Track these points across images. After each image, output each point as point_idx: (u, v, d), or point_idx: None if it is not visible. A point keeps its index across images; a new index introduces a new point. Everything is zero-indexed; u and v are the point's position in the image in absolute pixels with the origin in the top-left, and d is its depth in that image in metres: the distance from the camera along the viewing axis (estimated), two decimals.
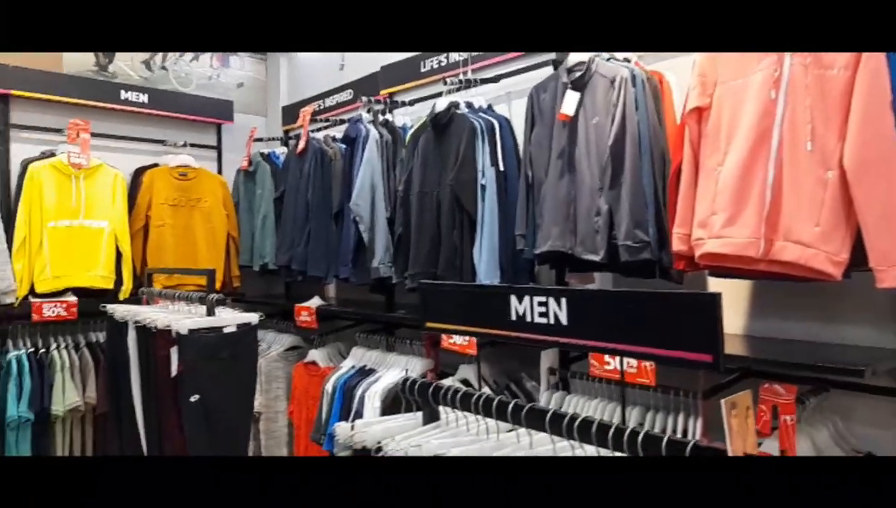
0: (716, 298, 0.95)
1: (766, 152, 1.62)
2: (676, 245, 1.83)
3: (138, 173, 3.78)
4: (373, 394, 2.52)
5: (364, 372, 2.75)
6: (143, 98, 3.97)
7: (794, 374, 1.69)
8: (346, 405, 2.64)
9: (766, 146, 1.62)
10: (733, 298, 2.09)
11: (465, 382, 2.43)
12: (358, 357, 2.88)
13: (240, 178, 4.04)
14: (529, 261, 2.39)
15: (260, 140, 4.13)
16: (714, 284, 2.11)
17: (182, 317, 2.25)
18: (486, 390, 2.34)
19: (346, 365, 2.86)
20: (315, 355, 3.08)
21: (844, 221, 1.53)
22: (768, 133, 1.61)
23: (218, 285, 3.71)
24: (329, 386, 2.75)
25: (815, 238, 1.54)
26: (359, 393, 2.59)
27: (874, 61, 1.49)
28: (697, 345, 0.97)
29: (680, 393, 1.84)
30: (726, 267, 1.74)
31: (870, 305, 1.79)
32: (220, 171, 4.27)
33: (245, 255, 3.89)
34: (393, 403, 2.38)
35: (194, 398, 2.09)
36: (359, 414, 2.55)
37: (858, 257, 1.53)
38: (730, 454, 0.89)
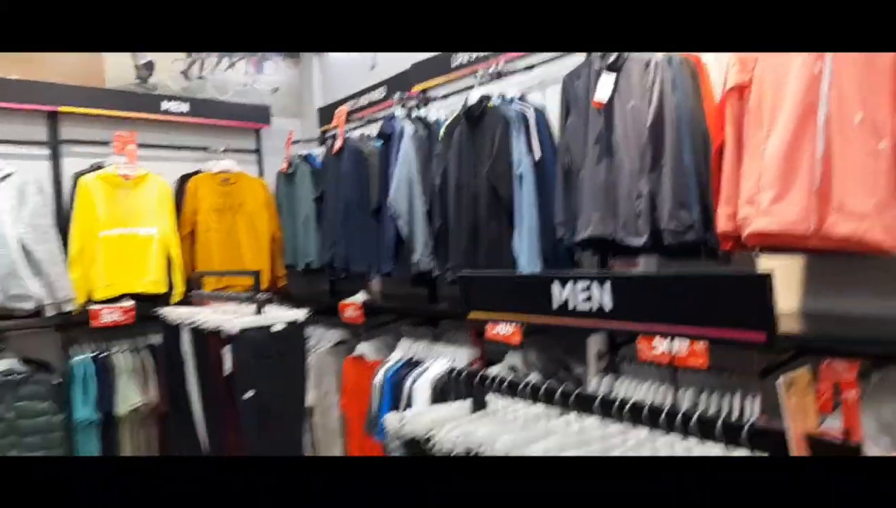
0: (768, 275, 0.94)
1: (813, 126, 1.57)
2: (722, 225, 1.80)
3: (183, 180, 3.88)
4: (421, 385, 2.55)
5: (411, 364, 2.78)
6: (184, 107, 4.08)
7: (855, 350, 1.64)
8: (396, 396, 2.68)
9: (812, 120, 1.58)
10: (784, 276, 2.04)
11: (513, 369, 2.43)
12: (405, 349, 2.91)
13: (280, 181, 4.11)
14: (569, 250, 2.38)
15: (297, 142, 4.20)
16: (764, 263, 2.07)
17: (232, 318, 2.31)
18: (535, 376, 2.36)
19: (394, 358, 2.89)
20: (363, 349, 3.12)
21: None
22: (814, 107, 1.57)
23: (264, 285, 3.80)
24: (378, 379, 2.79)
25: (870, 210, 1.49)
26: (408, 384, 2.62)
27: None
28: (750, 323, 0.96)
29: (734, 373, 1.81)
30: (775, 244, 1.71)
31: None
32: (260, 175, 4.35)
33: (289, 256, 3.97)
34: (442, 393, 2.40)
35: (248, 394, 2.16)
36: (409, 405, 2.59)
37: None
38: (789, 434, 0.87)
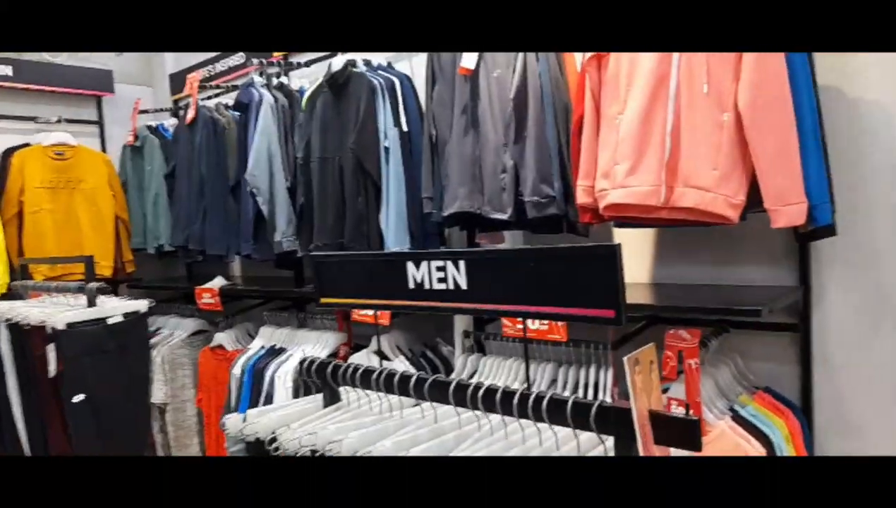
0: (615, 250, 0.90)
1: (665, 97, 1.59)
2: (581, 197, 1.79)
3: (6, 155, 3.39)
4: (283, 374, 2.40)
5: (274, 352, 2.61)
6: (7, 70, 3.55)
7: (698, 318, 1.71)
8: (256, 388, 2.51)
9: (664, 91, 1.59)
10: (639, 247, 2.10)
11: (380, 353, 2.34)
12: (267, 336, 2.73)
13: (126, 155, 3.71)
14: (438, 224, 2.32)
15: (146, 112, 3.81)
16: (619, 235, 2.12)
17: (60, 311, 2.03)
18: (399, 361, 2.29)
19: (255, 346, 2.71)
20: (221, 338, 2.90)
21: (741, 163, 1.53)
22: (666, 78, 1.58)
23: (109, 272, 3.44)
24: (237, 370, 2.60)
25: (713, 182, 1.53)
26: (269, 374, 2.46)
27: None
28: (599, 301, 0.93)
29: (591, 345, 1.83)
30: (631, 217, 1.73)
31: (766, 245, 1.83)
32: (103, 149, 3.92)
33: (138, 238, 3.61)
34: (305, 384, 2.27)
35: (78, 398, 1.90)
36: (269, 397, 2.43)
37: (753, 199, 1.54)
38: (634, 411, 0.85)
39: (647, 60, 1.61)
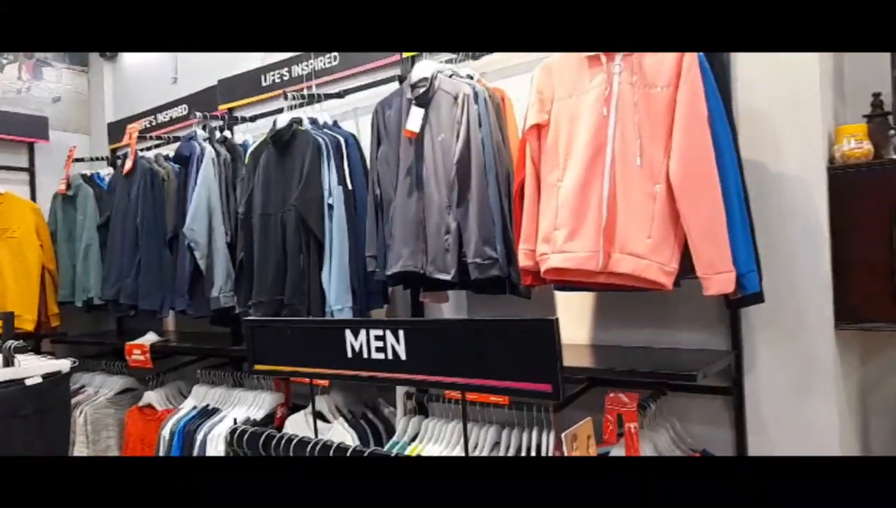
0: (552, 326, 0.91)
1: (602, 168, 1.65)
2: (522, 261, 1.82)
3: None
4: (216, 437, 2.29)
5: (207, 413, 2.50)
6: None
7: (636, 381, 1.74)
8: (187, 451, 2.38)
9: (600, 162, 1.65)
10: (579, 310, 2.14)
11: (319, 415, 2.27)
12: (200, 396, 2.62)
13: (57, 204, 3.56)
14: (382, 283, 2.30)
15: (81, 160, 3.69)
16: (560, 297, 2.15)
17: None
18: (339, 423, 2.22)
19: (187, 406, 2.59)
20: (151, 397, 2.76)
21: (673, 233, 1.59)
22: (602, 149, 1.65)
23: (31, 326, 3.25)
24: (166, 431, 2.47)
25: (647, 249, 1.59)
26: (200, 436, 2.34)
27: (692, 78, 1.57)
28: (536, 376, 0.93)
29: (533, 408, 1.83)
30: (570, 280, 1.76)
31: (700, 311, 1.89)
32: (33, 197, 3.76)
33: (66, 290, 3.43)
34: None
35: None
36: None
37: (687, 266, 1.60)
38: None
39: (583, 132, 1.68)
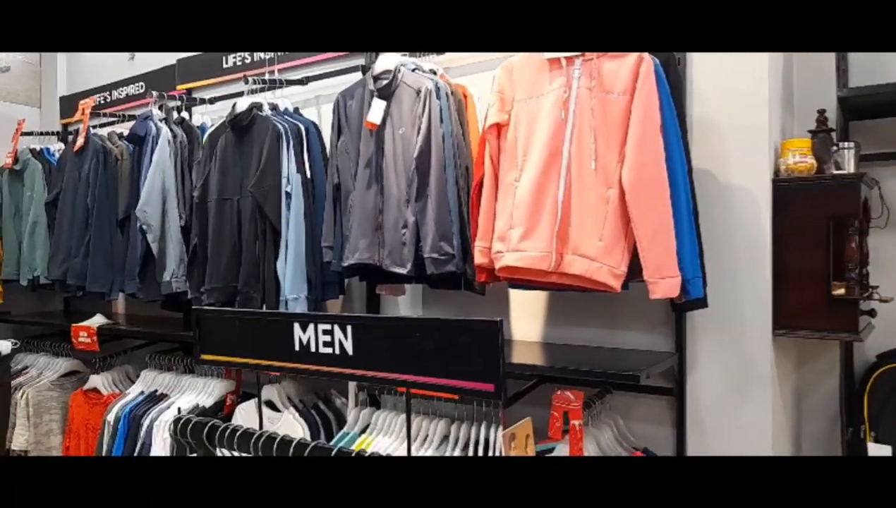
0: (497, 328, 0.93)
1: (558, 170, 1.68)
2: (478, 258, 1.84)
3: None
4: (162, 424, 2.26)
5: (154, 399, 2.46)
6: None
7: (582, 379, 1.78)
8: (132, 437, 2.34)
9: (557, 164, 1.68)
10: (532, 307, 2.17)
11: (269, 404, 2.26)
12: (148, 381, 2.57)
13: (3, 178, 3.43)
14: (338, 274, 2.30)
15: (30, 133, 3.56)
16: (514, 294, 2.18)
17: None
18: (289, 413, 2.22)
19: (134, 391, 2.54)
20: (96, 381, 2.70)
21: (624, 236, 1.63)
22: (559, 151, 1.68)
23: None
24: (111, 416, 2.42)
25: (598, 252, 1.62)
26: (146, 422, 2.31)
27: (647, 87, 1.61)
28: (480, 375, 0.95)
29: (482, 403, 1.86)
30: (523, 279, 1.79)
31: (646, 313, 1.95)
32: None
33: (10, 268, 3.31)
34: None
35: None
36: (146, 447, 2.27)
37: (635, 269, 1.64)
38: None
39: (541, 134, 1.70)
